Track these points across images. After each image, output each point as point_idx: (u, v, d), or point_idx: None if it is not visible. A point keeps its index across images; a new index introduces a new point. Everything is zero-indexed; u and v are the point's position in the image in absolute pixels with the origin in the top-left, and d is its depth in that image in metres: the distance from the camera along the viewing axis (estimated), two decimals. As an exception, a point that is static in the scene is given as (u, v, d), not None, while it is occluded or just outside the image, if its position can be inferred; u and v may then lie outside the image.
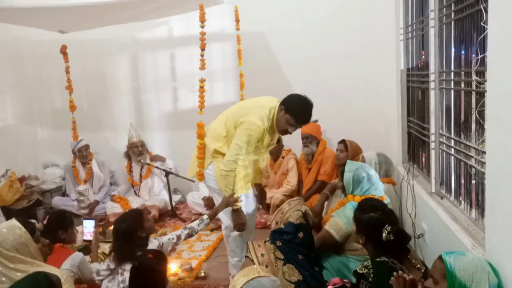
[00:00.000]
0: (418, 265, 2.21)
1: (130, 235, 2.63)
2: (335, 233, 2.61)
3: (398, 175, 3.45)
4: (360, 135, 4.15)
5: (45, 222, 2.77)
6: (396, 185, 3.37)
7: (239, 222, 2.87)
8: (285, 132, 2.90)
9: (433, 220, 2.52)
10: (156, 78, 5.20)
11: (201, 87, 3.57)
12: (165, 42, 5.09)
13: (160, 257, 2.28)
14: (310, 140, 4.32)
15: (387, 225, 2.06)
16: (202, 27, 3.46)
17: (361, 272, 1.99)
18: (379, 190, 2.78)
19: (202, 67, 3.54)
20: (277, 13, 4.66)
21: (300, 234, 2.53)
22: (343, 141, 4.00)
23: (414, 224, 2.90)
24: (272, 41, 4.77)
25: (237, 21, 4.30)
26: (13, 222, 2.15)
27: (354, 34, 4.53)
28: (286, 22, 4.65)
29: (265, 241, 2.62)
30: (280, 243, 2.53)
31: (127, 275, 2.50)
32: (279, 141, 3.28)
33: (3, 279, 1.95)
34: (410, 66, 3.40)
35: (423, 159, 3.14)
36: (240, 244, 3.00)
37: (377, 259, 2.00)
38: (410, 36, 3.32)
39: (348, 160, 3.07)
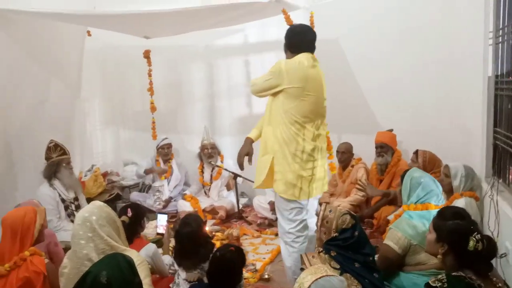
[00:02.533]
0: (500, 284, 2.00)
1: (194, 239, 2.72)
2: (395, 245, 2.50)
3: (481, 189, 3.19)
4: (439, 146, 3.95)
5: (129, 214, 2.95)
6: (478, 200, 3.12)
7: None
8: None
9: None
10: (230, 84, 5.36)
11: None
12: (240, 48, 5.23)
13: (240, 253, 2.36)
14: (386, 149, 4.16)
15: (476, 233, 1.90)
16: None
17: (434, 285, 1.85)
18: (439, 200, 2.61)
19: None
20: (353, 20, 4.57)
21: (356, 233, 2.44)
22: (416, 151, 3.83)
23: (496, 243, 2.65)
24: (346, 48, 4.69)
25: (312, 27, 4.29)
26: (99, 202, 2.31)
27: (435, 41, 4.28)
28: (362, 29, 4.55)
29: (319, 252, 2.57)
30: (335, 253, 2.46)
31: (181, 279, 2.63)
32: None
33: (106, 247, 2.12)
34: (499, 73, 3.14)
35: (510, 175, 2.87)
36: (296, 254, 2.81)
37: (453, 273, 1.85)
38: (500, 40, 3.07)
39: (413, 168, 2.94)
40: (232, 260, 2.30)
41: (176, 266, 2.77)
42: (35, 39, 4.27)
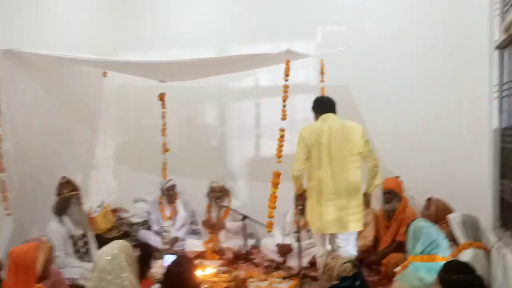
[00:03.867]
0: None
1: (182, 279, 2.68)
2: None
3: (487, 241, 3.17)
4: (446, 197, 3.96)
5: (137, 253, 2.97)
6: (488, 252, 3.10)
7: None
8: None
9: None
10: (241, 125, 5.47)
11: (281, 136, 3.74)
12: (251, 91, 5.38)
13: None
14: (393, 196, 4.18)
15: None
16: (286, 80, 3.68)
17: None
18: (444, 251, 2.62)
19: (284, 117, 3.73)
20: (362, 69, 4.70)
21: (357, 283, 2.44)
22: (429, 199, 3.84)
23: (505, 297, 2.62)
24: (356, 93, 4.80)
25: (322, 73, 4.45)
26: (124, 241, 2.37)
27: (442, 93, 4.40)
28: (370, 78, 4.67)
29: None
30: None
31: None
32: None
33: None
34: (504, 126, 3.21)
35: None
36: None
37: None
38: (505, 94, 3.17)
39: (418, 218, 2.96)
40: None
41: None
42: (55, 77, 4.48)
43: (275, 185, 3.33)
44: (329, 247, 3.54)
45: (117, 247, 2.24)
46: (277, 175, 3.45)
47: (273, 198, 3.31)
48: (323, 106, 3.56)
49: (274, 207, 3.25)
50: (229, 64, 4.02)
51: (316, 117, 3.57)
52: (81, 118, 5.01)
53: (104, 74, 5.19)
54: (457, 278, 2.04)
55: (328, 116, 3.49)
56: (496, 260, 2.86)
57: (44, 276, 2.68)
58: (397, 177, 4.29)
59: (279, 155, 3.64)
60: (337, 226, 3.37)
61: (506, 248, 2.78)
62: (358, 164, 3.44)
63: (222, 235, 4.87)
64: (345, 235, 3.41)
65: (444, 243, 2.74)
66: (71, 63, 4.38)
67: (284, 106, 3.74)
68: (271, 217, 3.15)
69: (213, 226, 4.86)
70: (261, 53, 3.65)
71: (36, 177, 4.21)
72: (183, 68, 4.02)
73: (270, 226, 3.17)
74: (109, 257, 2.18)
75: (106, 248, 2.27)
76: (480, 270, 2.83)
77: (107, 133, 5.53)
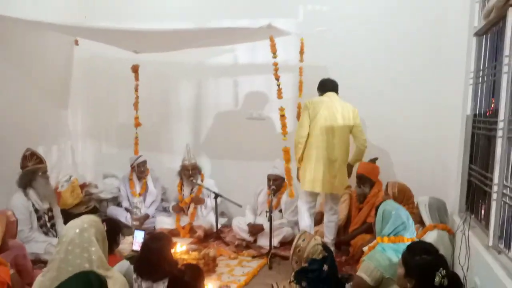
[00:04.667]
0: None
1: (159, 255, 2.71)
2: (368, 278, 2.53)
3: (453, 224, 3.26)
4: (417, 180, 4.04)
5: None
6: (452, 234, 3.18)
7: None
8: None
9: (488, 275, 2.34)
10: (217, 103, 5.38)
11: (282, 115, 3.85)
12: (229, 69, 5.27)
13: (195, 271, 2.34)
14: (364, 181, 4.22)
15: (441, 269, 1.95)
16: (275, 57, 3.62)
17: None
18: (411, 232, 2.68)
19: (279, 96, 3.77)
20: (343, 49, 4.68)
21: (325, 267, 2.47)
22: (387, 184, 3.92)
23: (466, 277, 2.70)
24: (334, 75, 4.77)
25: (302, 53, 4.40)
26: (95, 217, 2.31)
27: (420, 76, 4.46)
28: (350, 59, 4.66)
29: (290, 282, 2.58)
30: (305, 283, 2.47)
31: None
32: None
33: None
34: (477, 112, 3.26)
35: (483, 210, 2.95)
36: None
37: (423, 307, 1.89)
38: (480, 81, 3.20)
39: (387, 200, 3.00)
40: (183, 279, 2.31)
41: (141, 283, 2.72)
42: (19, 44, 4.24)
43: (288, 161, 3.76)
44: (307, 205, 4.03)
45: (87, 221, 2.18)
46: (287, 151, 3.80)
47: (289, 172, 3.78)
48: (327, 85, 4.05)
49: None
50: (207, 38, 3.90)
51: (320, 95, 4.05)
52: (48, 89, 4.79)
53: (76, 42, 4.97)
54: (419, 259, 2.08)
55: (331, 94, 3.98)
56: (460, 241, 2.94)
57: (2, 248, 2.57)
58: (375, 159, 4.31)
59: (284, 133, 3.87)
60: (326, 188, 3.89)
61: (470, 230, 2.85)
62: (349, 139, 3.95)
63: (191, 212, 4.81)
64: (331, 201, 4.01)
65: (412, 225, 2.79)
66: (40, 29, 4.14)
67: (279, 85, 3.70)
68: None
69: (193, 201, 4.80)
70: (241, 27, 3.54)
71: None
72: (159, 38, 3.86)
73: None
74: (78, 230, 2.11)
75: (75, 221, 2.21)
76: (443, 251, 2.92)
77: (76, 105, 5.33)
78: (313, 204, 4.08)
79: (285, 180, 4.55)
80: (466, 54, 3.31)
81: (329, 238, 4.02)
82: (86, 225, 2.15)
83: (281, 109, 3.82)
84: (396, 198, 3.66)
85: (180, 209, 4.82)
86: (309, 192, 3.98)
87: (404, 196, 3.73)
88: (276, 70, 3.69)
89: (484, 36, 3.14)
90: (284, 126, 3.86)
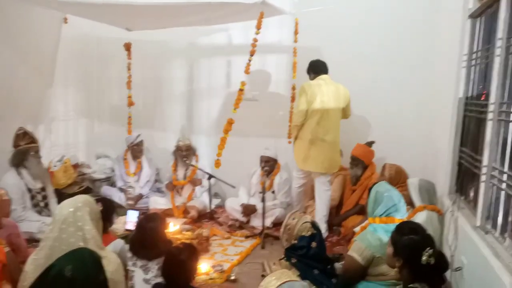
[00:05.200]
0: (452, 297, 2.12)
1: (154, 234, 2.76)
2: (359, 257, 2.58)
3: (443, 205, 3.32)
4: (408, 161, 4.07)
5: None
6: (441, 215, 3.25)
7: None
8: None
9: (474, 254, 2.41)
10: (210, 83, 5.35)
11: (241, 89, 3.75)
12: (223, 48, 5.21)
13: (191, 251, 2.38)
14: (356, 163, 4.26)
15: (428, 248, 1.99)
16: (257, 33, 3.57)
17: (391, 296, 1.94)
18: (402, 213, 2.73)
19: (247, 71, 3.67)
20: (337, 31, 4.64)
21: (313, 244, 2.53)
22: (384, 165, 3.95)
23: (453, 256, 2.78)
24: (328, 57, 4.76)
25: (296, 33, 4.36)
26: (89, 197, 2.30)
27: (413, 58, 4.46)
28: (344, 40, 4.63)
29: (280, 259, 2.64)
30: (295, 260, 2.53)
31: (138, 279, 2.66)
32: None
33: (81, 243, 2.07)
34: (469, 95, 3.28)
35: (472, 192, 3.00)
36: None
37: (410, 285, 1.94)
38: (473, 63, 3.21)
39: (380, 182, 3.05)
40: (177, 257, 2.34)
41: (132, 267, 2.77)
42: (5, 20, 4.14)
43: (226, 131, 3.74)
44: (301, 181, 4.22)
45: (81, 200, 2.19)
46: (230, 122, 3.77)
47: (223, 142, 3.76)
48: (320, 67, 4.10)
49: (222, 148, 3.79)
50: (200, 13, 3.82)
51: (313, 77, 4.09)
52: (36, 65, 4.69)
53: (65, 20, 4.86)
54: (407, 239, 2.12)
55: (326, 77, 4.06)
56: (448, 222, 3.00)
57: (-4, 226, 2.59)
58: (371, 143, 4.33)
59: (236, 106, 3.79)
60: (320, 168, 3.99)
61: (458, 211, 2.92)
62: (340, 120, 4.05)
63: (187, 193, 4.84)
64: (325, 178, 4.07)
65: (403, 206, 2.84)
66: (26, 3, 4.03)
67: (250, 60, 3.66)
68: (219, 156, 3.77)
69: (191, 182, 4.82)
70: (234, 2, 3.47)
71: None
72: (150, 12, 3.78)
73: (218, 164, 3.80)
74: (72, 209, 2.11)
75: (69, 200, 2.21)
76: (432, 231, 2.97)
77: (67, 84, 5.25)
78: (306, 180, 4.24)
79: (278, 162, 4.59)
80: (460, 36, 3.30)
81: (321, 214, 4.05)
82: (80, 204, 2.15)
83: (242, 83, 3.72)
84: (392, 180, 3.71)
85: (173, 187, 4.84)
86: (304, 171, 4.12)
87: (400, 178, 3.78)
88: (253, 46, 3.63)
89: (479, 18, 3.14)
90: (238, 100, 3.77)
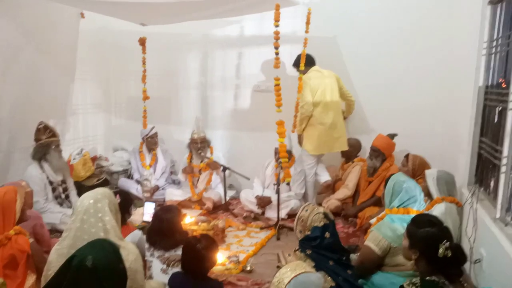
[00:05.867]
0: (470, 289, 2.09)
1: (171, 225, 2.81)
2: (375, 247, 2.57)
3: (462, 196, 3.27)
4: (429, 152, 4.04)
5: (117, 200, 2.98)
6: (461, 206, 3.20)
7: None
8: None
9: (494, 246, 2.37)
10: (224, 75, 5.36)
11: (277, 85, 3.71)
12: (236, 40, 5.21)
13: (209, 242, 2.42)
14: (376, 154, 4.22)
15: (445, 241, 1.96)
16: (277, 26, 3.55)
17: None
18: (420, 205, 2.69)
19: (276, 65, 3.64)
20: (351, 20, 4.60)
21: (327, 234, 2.52)
22: (407, 155, 3.89)
23: (472, 248, 2.74)
24: (343, 47, 4.73)
25: (308, 23, 4.32)
26: (109, 190, 2.37)
27: (431, 47, 4.37)
28: (359, 30, 4.59)
29: (295, 250, 2.64)
30: (310, 251, 2.53)
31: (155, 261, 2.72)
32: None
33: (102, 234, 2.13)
34: (489, 84, 3.20)
35: (491, 183, 2.95)
36: None
37: (427, 278, 1.92)
38: (493, 51, 3.13)
39: (398, 173, 3.01)
40: (195, 247, 2.38)
41: (150, 258, 2.82)
42: (27, 17, 4.21)
43: (282, 134, 3.72)
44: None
45: (101, 193, 2.26)
46: (281, 124, 3.71)
47: (282, 147, 3.73)
48: (311, 60, 4.44)
49: (286, 156, 3.76)
50: (214, 7, 3.82)
51: (307, 69, 4.40)
52: (56, 60, 4.78)
53: (82, 15, 4.93)
54: (423, 231, 2.08)
55: (317, 68, 4.43)
56: (467, 214, 2.96)
57: (22, 218, 2.66)
58: (394, 135, 4.25)
59: (279, 105, 3.77)
60: (332, 148, 4.43)
61: (478, 203, 2.87)
62: (340, 101, 4.47)
63: (203, 185, 4.88)
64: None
65: (421, 198, 2.81)
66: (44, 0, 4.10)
67: (277, 53, 3.63)
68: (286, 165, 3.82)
69: (210, 166, 4.84)
70: None
71: (7, 121, 4.07)
72: (165, 8, 3.80)
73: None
74: (92, 201, 2.18)
75: (90, 192, 2.29)
76: (451, 223, 2.95)
77: (85, 78, 5.33)
78: (315, 164, 4.56)
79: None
80: (480, 23, 3.22)
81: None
82: (100, 196, 2.22)
83: (276, 79, 3.69)
84: (415, 171, 3.66)
85: (190, 170, 4.89)
86: (314, 155, 4.47)
87: (423, 170, 3.73)
88: (276, 39, 3.61)
89: (499, 4, 3.04)
90: (278, 97, 3.76)
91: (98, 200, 2.18)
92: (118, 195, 3.02)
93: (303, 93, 4.29)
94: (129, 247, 2.17)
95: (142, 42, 4.96)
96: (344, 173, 4.57)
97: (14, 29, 4.07)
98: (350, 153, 4.62)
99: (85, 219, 2.12)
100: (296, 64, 4.44)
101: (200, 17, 4.43)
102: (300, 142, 4.57)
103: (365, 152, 4.54)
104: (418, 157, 3.90)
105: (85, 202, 2.16)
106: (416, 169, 3.78)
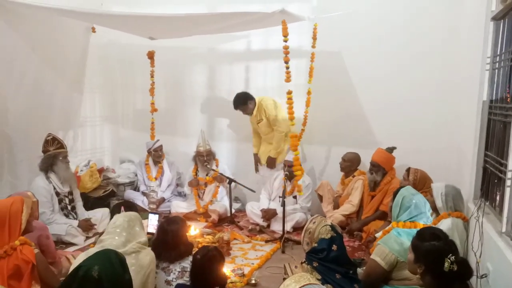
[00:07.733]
0: (477, 305, 2.07)
1: (176, 237, 2.83)
2: (382, 261, 2.56)
3: (468, 210, 3.25)
4: (433, 166, 4.03)
5: (122, 212, 3.02)
6: (467, 221, 3.18)
7: None
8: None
9: (500, 261, 2.35)
10: (230, 89, 5.40)
11: (289, 98, 3.75)
12: (242, 55, 5.28)
13: (218, 254, 2.42)
14: (377, 169, 4.22)
15: (450, 255, 1.95)
16: (286, 41, 3.61)
17: (414, 302, 1.92)
18: (427, 219, 2.68)
19: (288, 80, 3.69)
20: (356, 36, 4.63)
21: (334, 247, 2.52)
22: (408, 169, 3.89)
23: (478, 263, 2.71)
24: (347, 62, 4.75)
25: (314, 38, 4.37)
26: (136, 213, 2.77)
27: (436, 62, 4.38)
28: (365, 45, 4.62)
29: (301, 262, 2.63)
30: (317, 264, 2.52)
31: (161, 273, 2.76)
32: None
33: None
34: (493, 98, 3.22)
35: (497, 197, 2.93)
36: None
37: (433, 292, 1.91)
38: (497, 66, 3.15)
39: (407, 186, 3.01)
40: (210, 261, 2.39)
41: (155, 269, 2.83)
42: (38, 30, 4.31)
43: (295, 147, 3.76)
44: None
45: (132, 212, 2.71)
46: (295, 136, 3.78)
47: (296, 160, 3.75)
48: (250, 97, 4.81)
49: (301, 169, 3.84)
50: (221, 22, 3.90)
51: (254, 104, 4.79)
52: (65, 73, 4.86)
53: (93, 30, 5.04)
54: (428, 245, 2.07)
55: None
56: (473, 228, 2.94)
57: (27, 229, 2.68)
58: (392, 148, 4.26)
59: (291, 118, 3.82)
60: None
61: (484, 217, 2.85)
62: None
63: (208, 197, 4.89)
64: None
65: (429, 213, 2.80)
66: (56, 15, 4.20)
67: (287, 68, 3.68)
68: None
69: (216, 179, 4.89)
70: (254, 11, 3.52)
71: (16, 132, 4.14)
72: (173, 23, 3.88)
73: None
74: (121, 215, 2.57)
75: (122, 214, 2.69)
76: (458, 237, 2.93)
77: (93, 91, 5.42)
78: None
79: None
80: (483, 39, 3.25)
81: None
82: (133, 216, 2.63)
83: (289, 92, 3.74)
84: (416, 185, 3.66)
85: (196, 183, 4.91)
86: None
87: (424, 184, 3.73)
88: (286, 53, 3.66)
89: (502, 20, 3.08)
90: (291, 109, 3.81)
91: (127, 215, 2.62)
92: (123, 207, 3.06)
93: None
94: (147, 251, 2.49)
95: (151, 55, 5.05)
96: (346, 188, 4.56)
97: (22, 39, 4.15)
98: (349, 168, 4.60)
99: (118, 232, 2.48)
100: (245, 102, 4.73)
101: (207, 32, 4.52)
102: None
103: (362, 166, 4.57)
104: (419, 171, 3.89)
105: (120, 220, 2.56)
106: (417, 183, 3.77)
